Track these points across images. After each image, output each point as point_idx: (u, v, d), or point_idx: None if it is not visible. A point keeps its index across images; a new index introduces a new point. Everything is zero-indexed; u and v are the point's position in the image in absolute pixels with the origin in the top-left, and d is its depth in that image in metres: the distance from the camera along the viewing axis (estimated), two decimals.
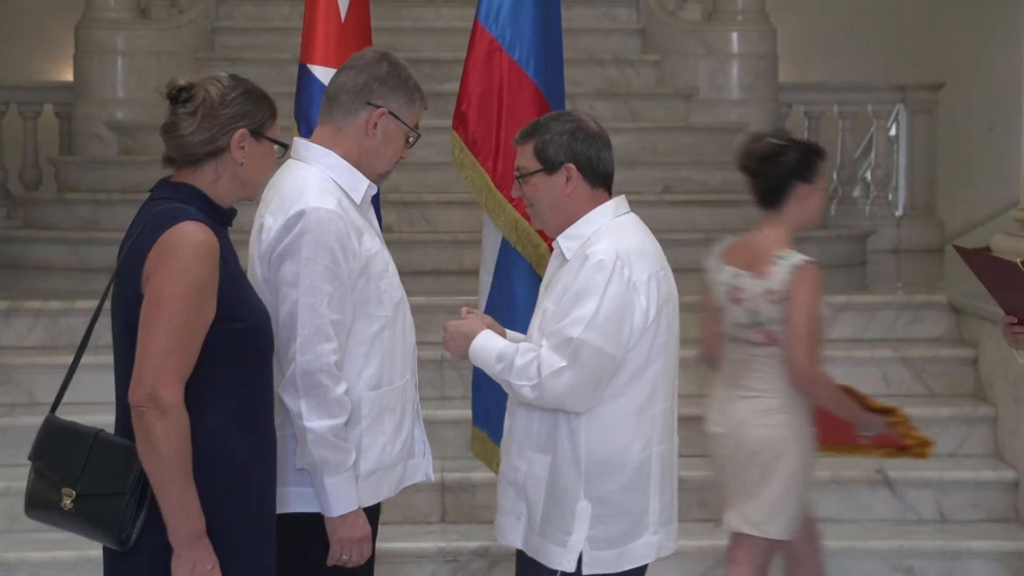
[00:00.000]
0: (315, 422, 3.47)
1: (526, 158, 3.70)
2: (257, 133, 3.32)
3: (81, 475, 3.21)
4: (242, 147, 3.29)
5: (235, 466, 3.27)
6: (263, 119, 3.34)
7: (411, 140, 3.71)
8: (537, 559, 3.67)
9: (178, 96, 3.29)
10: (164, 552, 3.19)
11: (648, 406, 3.65)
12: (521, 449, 3.69)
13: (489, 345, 3.67)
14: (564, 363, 3.54)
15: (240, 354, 3.28)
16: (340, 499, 3.52)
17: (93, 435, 3.26)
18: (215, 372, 3.23)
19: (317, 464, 3.49)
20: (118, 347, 3.29)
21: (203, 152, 3.29)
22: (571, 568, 3.62)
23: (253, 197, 3.44)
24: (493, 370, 3.65)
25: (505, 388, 3.68)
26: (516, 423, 3.71)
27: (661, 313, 3.64)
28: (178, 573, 3.18)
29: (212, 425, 3.22)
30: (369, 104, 3.63)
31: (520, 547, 3.73)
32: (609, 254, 3.58)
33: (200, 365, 3.19)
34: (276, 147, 3.40)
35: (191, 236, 3.18)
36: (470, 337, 3.70)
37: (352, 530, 3.54)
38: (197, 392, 3.19)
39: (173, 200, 3.28)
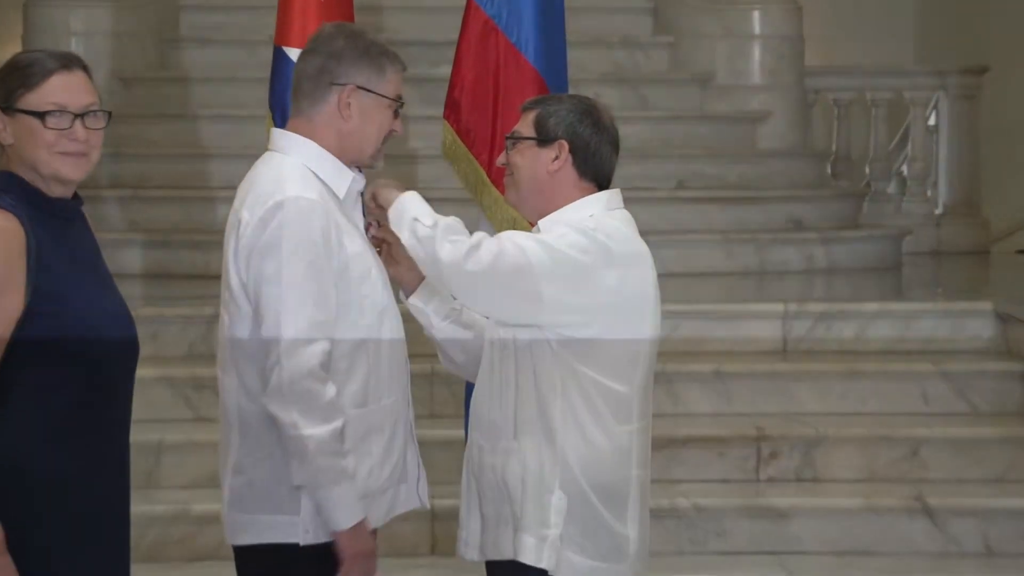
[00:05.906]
0: (314, 428, 3.43)
1: (525, 125, 3.75)
2: (9, 110, 3.29)
3: None
4: None
5: (43, 482, 3.24)
6: (9, 94, 3.30)
7: (398, 110, 3.68)
8: (516, 558, 3.63)
9: None
10: None
11: (625, 419, 3.64)
12: (494, 444, 3.68)
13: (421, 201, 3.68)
14: (491, 245, 3.57)
15: (48, 353, 3.25)
16: (349, 508, 3.48)
17: None
18: (17, 372, 3.21)
19: (321, 474, 3.45)
20: None
21: None
22: (551, 565, 3.59)
23: (60, 172, 3.34)
24: (419, 211, 3.62)
25: (415, 243, 3.62)
26: (487, 417, 3.70)
27: (645, 319, 3.66)
28: None
29: (12, 435, 3.21)
30: (333, 84, 3.61)
31: (513, 556, 3.66)
32: (589, 222, 3.63)
33: (3, 364, 3.19)
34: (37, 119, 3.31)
35: None
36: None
37: (363, 543, 3.50)
38: None
39: None
